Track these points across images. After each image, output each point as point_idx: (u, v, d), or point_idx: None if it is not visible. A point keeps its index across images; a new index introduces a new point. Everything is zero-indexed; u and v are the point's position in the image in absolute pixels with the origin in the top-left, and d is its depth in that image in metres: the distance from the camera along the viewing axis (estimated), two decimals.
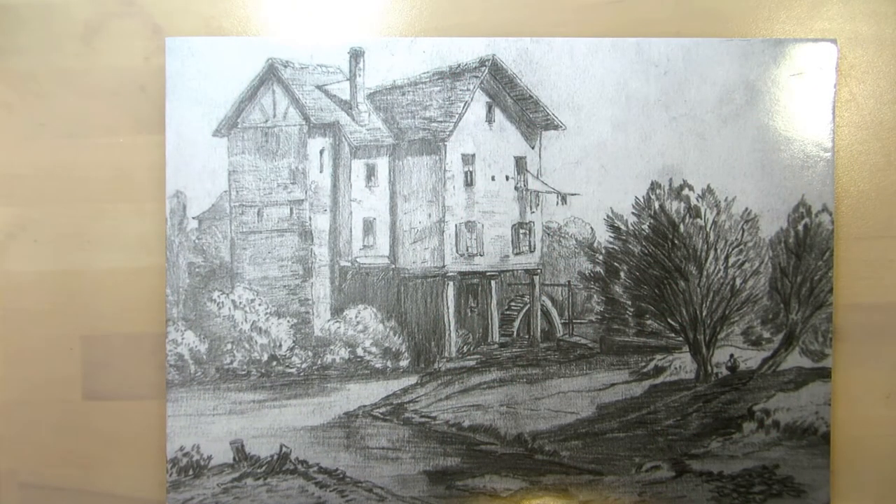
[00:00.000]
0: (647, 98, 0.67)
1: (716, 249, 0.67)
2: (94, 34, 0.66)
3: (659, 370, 0.67)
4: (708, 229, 0.67)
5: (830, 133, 0.67)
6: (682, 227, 0.67)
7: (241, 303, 0.65)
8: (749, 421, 0.67)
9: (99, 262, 0.66)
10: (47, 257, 0.66)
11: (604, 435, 0.67)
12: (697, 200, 0.67)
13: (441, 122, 0.66)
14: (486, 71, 0.66)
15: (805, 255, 0.67)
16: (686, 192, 0.67)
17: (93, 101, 0.66)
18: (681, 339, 0.67)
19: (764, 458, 0.66)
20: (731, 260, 0.67)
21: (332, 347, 0.66)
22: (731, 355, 0.67)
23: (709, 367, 0.67)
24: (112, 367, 0.67)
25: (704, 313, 0.67)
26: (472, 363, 0.66)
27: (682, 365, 0.67)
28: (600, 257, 0.67)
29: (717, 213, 0.67)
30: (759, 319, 0.67)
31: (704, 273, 0.67)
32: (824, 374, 0.66)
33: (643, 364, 0.67)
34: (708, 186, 0.67)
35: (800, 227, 0.67)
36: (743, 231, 0.67)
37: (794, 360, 0.67)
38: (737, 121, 0.67)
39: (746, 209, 0.67)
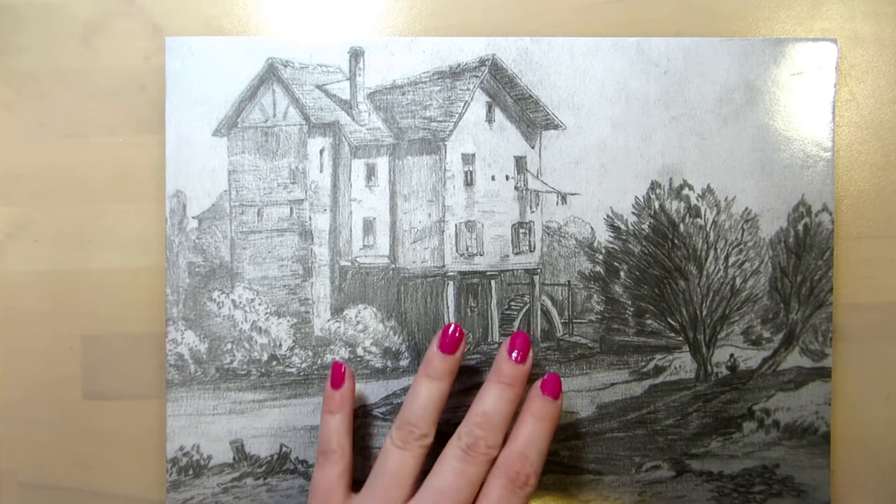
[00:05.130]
0: (647, 97, 0.67)
1: (716, 249, 0.67)
2: (94, 34, 0.66)
3: (659, 370, 0.67)
4: (708, 229, 0.67)
5: (830, 133, 0.67)
6: (682, 226, 0.67)
7: (241, 302, 0.65)
8: (749, 420, 0.66)
9: (99, 262, 0.66)
10: (47, 257, 0.66)
11: (604, 434, 0.66)
12: (697, 200, 0.67)
13: (441, 121, 0.66)
14: (486, 70, 0.66)
15: (805, 254, 0.67)
16: (686, 191, 0.67)
17: (93, 101, 0.66)
18: (681, 338, 0.67)
19: (764, 457, 0.66)
20: (731, 259, 0.67)
21: (332, 347, 0.65)
22: (731, 355, 0.67)
23: (709, 367, 0.67)
24: (112, 367, 0.66)
25: (704, 313, 0.67)
26: (472, 363, 0.66)
27: (682, 364, 0.67)
28: (600, 257, 0.67)
29: (717, 213, 0.67)
30: (758, 319, 0.67)
31: (704, 273, 0.67)
32: (824, 374, 0.66)
33: (643, 364, 0.67)
34: (708, 186, 0.67)
35: (800, 227, 0.67)
36: (743, 231, 0.67)
37: (794, 359, 0.67)
38: (737, 120, 0.67)
39: (746, 209, 0.67)
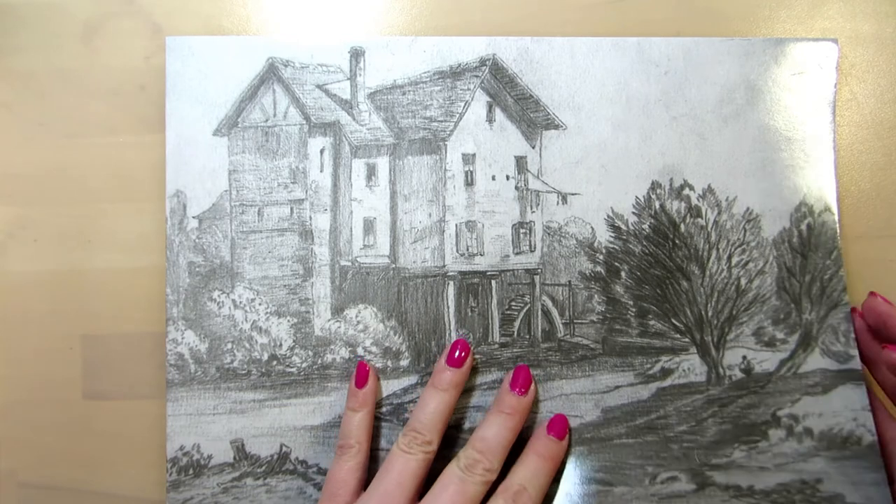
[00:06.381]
0: (647, 98, 0.67)
1: (718, 249, 0.67)
2: (93, 34, 0.67)
3: (666, 372, 0.66)
4: (709, 229, 0.67)
5: (831, 132, 0.67)
6: (682, 226, 0.67)
7: (241, 302, 0.65)
8: (775, 427, 0.64)
9: (99, 262, 0.66)
10: (47, 257, 0.66)
11: (611, 441, 0.64)
12: (698, 200, 0.67)
13: (441, 121, 0.66)
14: (487, 70, 0.66)
15: (811, 254, 0.66)
16: (687, 191, 0.67)
17: (93, 101, 0.67)
18: (687, 339, 0.66)
19: (801, 470, 0.62)
20: (735, 259, 0.66)
21: (332, 347, 0.65)
22: (744, 357, 0.65)
23: (720, 370, 0.65)
24: (112, 366, 0.66)
25: (710, 314, 0.66)
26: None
27: (691, 367, 0.65)
28: (601, 257, 0.67)
29: (719, 213, 0.67)
30: (769, 320, 0.66)
31: (707, 273, 0.67)
32: (854, 377, 0.64)
33: (648, 366, 0.66)
34: (709, 186, 0.67)
35: (803, 227, 0.66)
36: (745, 231, 0.66)
37: (816, 361, 0.65)
38: (737, 120, 0.67)
39: (748, 209, 0.66)
